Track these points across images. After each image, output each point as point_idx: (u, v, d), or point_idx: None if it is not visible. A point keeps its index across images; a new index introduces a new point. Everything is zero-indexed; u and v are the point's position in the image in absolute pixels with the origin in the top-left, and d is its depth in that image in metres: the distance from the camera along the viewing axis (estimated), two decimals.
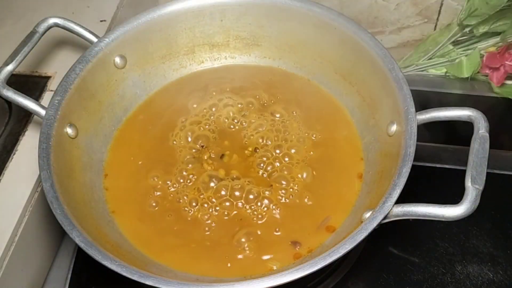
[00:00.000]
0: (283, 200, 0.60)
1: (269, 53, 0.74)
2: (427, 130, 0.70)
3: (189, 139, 0.66)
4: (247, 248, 0.57)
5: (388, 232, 0.60)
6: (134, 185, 0.63)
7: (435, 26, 0.85)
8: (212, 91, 0.72)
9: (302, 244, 0.57)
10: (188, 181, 0.62)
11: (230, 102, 0.70)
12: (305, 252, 0.56)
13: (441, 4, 0.82)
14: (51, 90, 0.69)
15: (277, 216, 0.59)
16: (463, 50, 0.82)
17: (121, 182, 0.63)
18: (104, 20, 0.77)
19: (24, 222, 0.59)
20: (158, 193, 0.62)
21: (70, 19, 0.68)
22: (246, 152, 0.65)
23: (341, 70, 0.69)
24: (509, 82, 0.81)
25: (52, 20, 0.67)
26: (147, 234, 0.59)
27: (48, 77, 0.71)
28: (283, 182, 0.61)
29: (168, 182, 0.62)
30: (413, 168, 0.53)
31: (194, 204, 0.60)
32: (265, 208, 0.60)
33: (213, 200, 0.60)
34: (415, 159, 0.54)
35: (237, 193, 0.60)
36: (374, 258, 0.65)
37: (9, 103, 0.68)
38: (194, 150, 0.65)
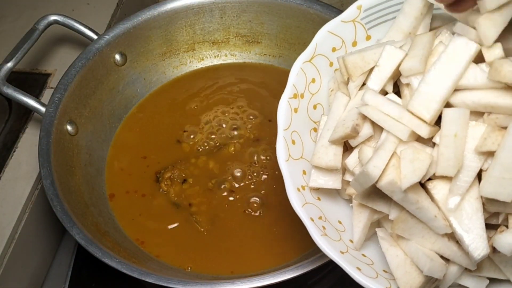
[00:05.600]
0: None
1: (269, 51, 0.74)
2: None
3: (191, 137, 0.66)
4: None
5: None
6: (135, 183, 0.63)
7: None
8: (213, 89, 0.72)
9: None
10: (191, 179, 0.62)
11: (230, 101, 0.70)
12: None
13: None
14: (51, 88, 0.69)
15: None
16: None
17: (121, 180, 0.63)
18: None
19: (25, 219, 0.59)
20: (160, 191, 0.62)
21: (70, 17, 0.68)
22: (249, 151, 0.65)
23: None
24: None
25: (52, 17, 0.67)
26: (148, 232, 0.59)
27: (48, 75, 0.71)
28: None
29: (170, 180, 0.62)
30: None
31: (195, 201, 0.60)
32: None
33: (215, 196, 0.61)
34: None
35: (236, 190, 0.61)
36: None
37: (9, 100, 0.67)
38: (196, 147, 0.65)
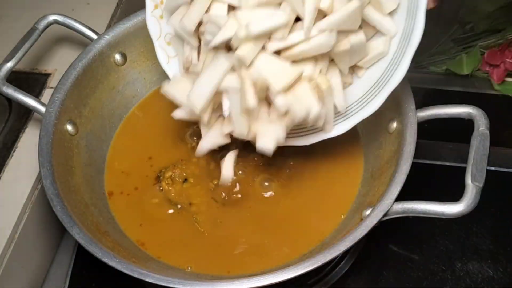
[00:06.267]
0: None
1: None
2: (427, 127, 0.70)
3: (192, 136, 0.66)
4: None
5: (388, 230, 0.60)
6: (135, 183, 0.63)
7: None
8: None
9: None
10: (192, 179, 0.62)
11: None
12: None
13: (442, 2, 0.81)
14: (51, 87, 0.69)
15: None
16: (464, 47, 0.82)
17: (121, 180, 0.63)
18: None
19: (24, 219, 0.59)
20: (160, 190, 0.62)
21: (70, 16, 0.68)
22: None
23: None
24: (509, 79, 0.81)
25: (52, 17, 0.67)
26: (148, 232, 0.59)
27: (48, 74, 0.71)
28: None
29: (170, 179, 0.62)
30: (413, 165, 0.53)
31: (196, 201, 0.60)
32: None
33: (216, 196, 0.61)
34: (415, 157, 0.54)
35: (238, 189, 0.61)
36: (374, 256, 0.65)
37: (9, 100, 0.68)
38: (197, 147, 0.65)
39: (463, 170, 0.51)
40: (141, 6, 0.69)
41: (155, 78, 0.72)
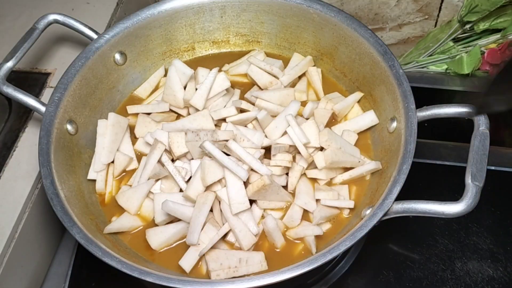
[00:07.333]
0: None
1: (269, 50, 0.74)
2: (427, 127, 0.70)
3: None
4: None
5: (388, 229, 0.60)
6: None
7: (436, 23, 0.85)
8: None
9: None
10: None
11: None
12: None
13: (442, 1, 0.81)
14: (51, 87, 0.69)
15: None
16: (464, 47, 0.82)
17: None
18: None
19: (24, 218, 0.59)
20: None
21: (70, 16, 0.68)
22: None
23: (341, 67, 0.69)
24: None
25: (52, 17, 0.67)
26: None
27: (48, 74, 0.71)
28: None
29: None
30: (413, 164, 0.53)
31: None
32: None
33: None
34: (415, 156, 0.54)
35: None
36: (374, 255, 0.65)
37: (9, 99, 0.68)
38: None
39: (463, 169, 0.51)
40: (141, 6, 0.69)
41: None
